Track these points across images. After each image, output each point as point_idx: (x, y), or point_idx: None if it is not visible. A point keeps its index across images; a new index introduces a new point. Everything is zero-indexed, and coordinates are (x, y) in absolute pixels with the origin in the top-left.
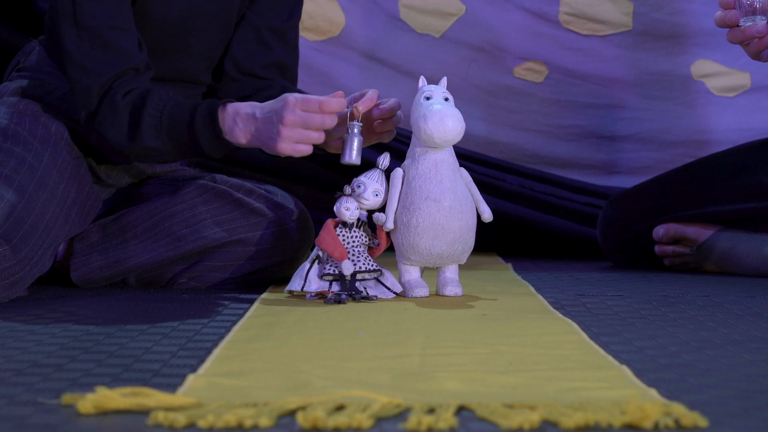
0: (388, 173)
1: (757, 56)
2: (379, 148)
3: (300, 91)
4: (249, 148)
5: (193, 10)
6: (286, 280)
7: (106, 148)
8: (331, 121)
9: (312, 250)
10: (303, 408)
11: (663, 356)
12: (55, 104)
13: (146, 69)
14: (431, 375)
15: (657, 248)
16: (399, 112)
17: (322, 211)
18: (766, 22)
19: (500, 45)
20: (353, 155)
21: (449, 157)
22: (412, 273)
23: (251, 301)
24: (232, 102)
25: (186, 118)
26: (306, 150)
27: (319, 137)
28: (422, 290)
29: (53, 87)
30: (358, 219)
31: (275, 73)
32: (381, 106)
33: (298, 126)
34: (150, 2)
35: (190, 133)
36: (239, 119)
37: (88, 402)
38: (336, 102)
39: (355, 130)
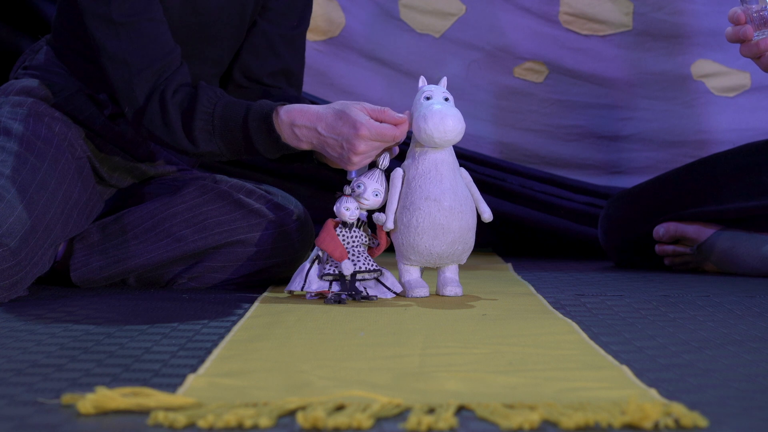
0: (388, 173)
1: None
2: None
3: (303, 99)
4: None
5: (208, 17)
6: (286, 281)
7: (157, 142)
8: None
9: (312, 250)
10: (303, 408)
11: (663, 356)
12: (61, 104)
13: (183, 59)
14: (431, 375)
15: (657, 248)
16: (395, 148)
17: (323, 211)
18: None
19: (500, 45)
20: (359, 171)
21: (449, 157)
22: (412, 273)
23: (251, 301)
24: (284, 106)
25: (239, 123)
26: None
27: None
28: (422, 290)
29: (59, 87)
30: (358, 219)
31: (281, 80)
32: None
33: (370, 152)
34: (167, 8)
35: (245, 137)
36: (298, 131)
37: (88, 402)
38: (406, 128)
39: None
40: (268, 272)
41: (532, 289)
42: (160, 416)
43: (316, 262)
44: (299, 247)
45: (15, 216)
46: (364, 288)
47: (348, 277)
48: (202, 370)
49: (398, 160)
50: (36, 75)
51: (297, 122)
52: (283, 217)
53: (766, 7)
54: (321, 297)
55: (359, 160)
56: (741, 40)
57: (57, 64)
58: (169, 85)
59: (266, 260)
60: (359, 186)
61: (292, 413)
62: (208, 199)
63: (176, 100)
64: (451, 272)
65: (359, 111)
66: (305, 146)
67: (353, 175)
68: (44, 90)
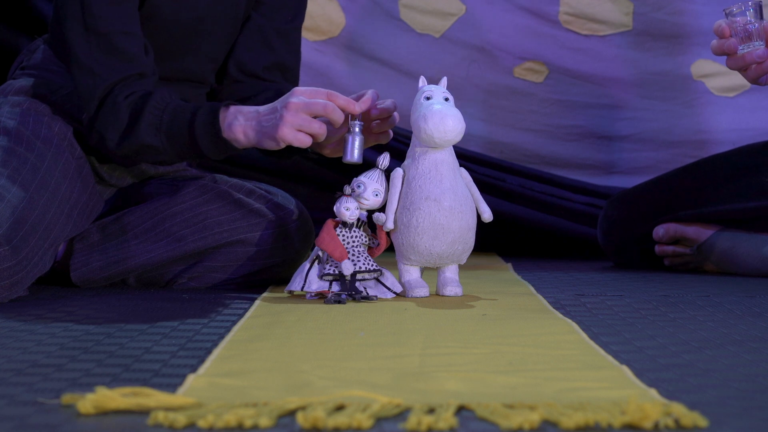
0: (388, 173)
1: (755, 81)
2: (379, 148)
3: None
4: (248, 148)
5: (201, 12)
6: (286, 281)
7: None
8: (334, 111)
9: (312, 250)
10: (303, 408)
11: (663, 356)
12: (60, 103)
13: (151, 74)
14: (431, 375)
15: (657, 248)
16: (395, 113)
17: (323, 211)
18: (764, 46)
19: (500, 45)
20: (355, 154)
21: (449, 157)
22: (412, 273)
23: (251, 301)
24: (236, 104)
25: (187, 118)
26: (306, 141)
27: (320, 128)
28: (422, 290)
29: (58, 86)
30: (358, 219)
31: (277, 74)
32: (378, 106)
33: (301, 111)
34: (160, 5)
35: (189, 131)
36: (241, 116)
37: (88, 402)
38: (344, 98)
39: (356, 129)
40: (268, 272)
41: (532, 289)
42: (160, 416)
43: (316, 262)
44: (299, 247)
45: (15, 216)
46: (364, 288)
47: (348, 277)
48: (202, 370)
49: (398, 160)
50: (34, 74)
51: (243, 109)
52: (283, 216)
53: (750, 20)
54: (321, 297)
55: (291, 119)
56: (726, 53)
57: (54, 62)
58: (123, 90)
59: (266, 260)
60: (359, 186)
61: (292, 413)
62: (208, 198)
63: (129, 101)
64: (451, 272)
65: None
66: (241, 137)
67: (348, 158)
68: (43, 89)
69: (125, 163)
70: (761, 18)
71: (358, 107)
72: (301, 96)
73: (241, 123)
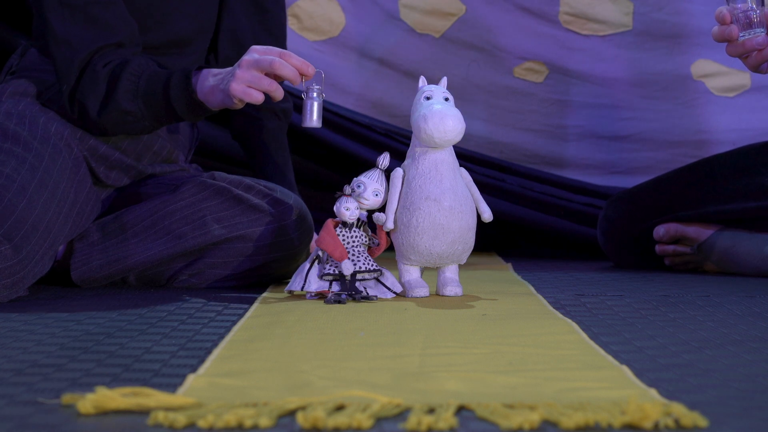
0: (388, 173)
1: (756, 69)
2: (379, 149)
3: None
4: (220, 108)
5: None
6: (286, 277)
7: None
8: (282, 67)
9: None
10: (303, 408)
11: (663, 356)
12: (54, 99)
13: (131, 44)
14: (431, 375)
15: (657, 248)
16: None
17: (323, 211)
18: (765, 33)
19: (500, 45)
20: (314, 118)
21: (449, 157)
22: (412, 273)
23: (251, 301)
24: (208, 67)
25: (162, 81)
26: (258, 97)
27: (270, 85)
28: (422, 290)
29: (50, 83)
30: (358, 219)
31: (267, 42)
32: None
33: (252, 67)
34: None
35: (164, 95)
36: (212, 77)
37: (88, 402)
38: (298, 58)
39: (314, 94)
40: (267, 268)
41: (532, 289)
42: (160, 416)
43: (316, 262)
44: (298, 242)
45: (15, 215)
46: (364, 288)
47: (348, 277)
48: (202, 370)
49: (398, 160)
50: (25, 75)
51: (214, 71)
52: (282, 212)
53: (752, 7)
54: (321, 297)
55: (242, 75)
56: (726, 40)
57: (45, 61)
58: (101, 60)
59: (266, 256)
60: (359, 186)
61: (292, 413)
62: (207, 195)
63: (107, 70)
64: (451, 272)
65: None
66: (211, 97)
67: (306, 123)
68: (35, 87)
69: (108, 134)
70: (762, 5)
71: (311, 69)
72: (253, 53)
73: (210, 83)
